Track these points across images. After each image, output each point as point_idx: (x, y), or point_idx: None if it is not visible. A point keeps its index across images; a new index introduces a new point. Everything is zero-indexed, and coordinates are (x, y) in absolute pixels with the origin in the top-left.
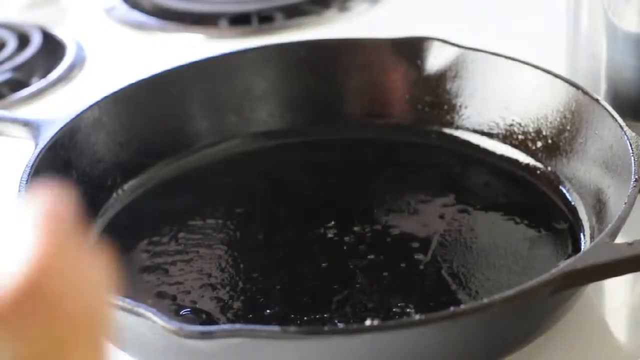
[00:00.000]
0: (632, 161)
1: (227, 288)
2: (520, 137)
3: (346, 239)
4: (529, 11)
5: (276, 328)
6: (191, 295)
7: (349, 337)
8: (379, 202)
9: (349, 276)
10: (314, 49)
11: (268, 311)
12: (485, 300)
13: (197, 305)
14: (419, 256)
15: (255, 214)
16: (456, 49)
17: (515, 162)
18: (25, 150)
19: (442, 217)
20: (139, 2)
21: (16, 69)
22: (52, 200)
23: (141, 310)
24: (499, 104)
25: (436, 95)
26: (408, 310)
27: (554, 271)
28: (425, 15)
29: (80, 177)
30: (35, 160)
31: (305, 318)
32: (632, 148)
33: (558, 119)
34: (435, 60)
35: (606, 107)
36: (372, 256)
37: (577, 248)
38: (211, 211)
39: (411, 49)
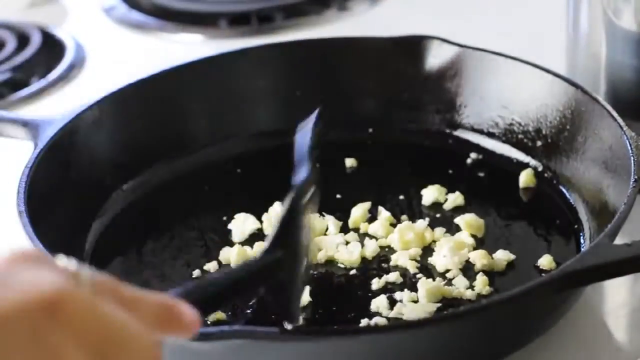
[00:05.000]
0: (632, 161)
1: None
2: (520, 136)
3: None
4: (528, 11)
5: (275, 329)
6: None
7: (348, 338)
8: (378, 202)
9: (348, 278)
10: (314, 48)
11: (268, 312)
12: (485, 301)
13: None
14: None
15: (256, 213)
16: (456, 47)
17: (515, 162)
18: (24, 150)
19: (441, 216)
20: (139, 2)
21: (16, 68)
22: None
23: None
24: (498, 103)
25: (436, 94)
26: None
27: (554, 271)
28: (425, 15)
29: (79, 178)
30: (34, 161)
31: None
32: (631, 148)
33: (558, 119)
34: (435, 59)
35: (606, 107)
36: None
37: (577, 248)
38: (211, 211)
39: (411, 48)
